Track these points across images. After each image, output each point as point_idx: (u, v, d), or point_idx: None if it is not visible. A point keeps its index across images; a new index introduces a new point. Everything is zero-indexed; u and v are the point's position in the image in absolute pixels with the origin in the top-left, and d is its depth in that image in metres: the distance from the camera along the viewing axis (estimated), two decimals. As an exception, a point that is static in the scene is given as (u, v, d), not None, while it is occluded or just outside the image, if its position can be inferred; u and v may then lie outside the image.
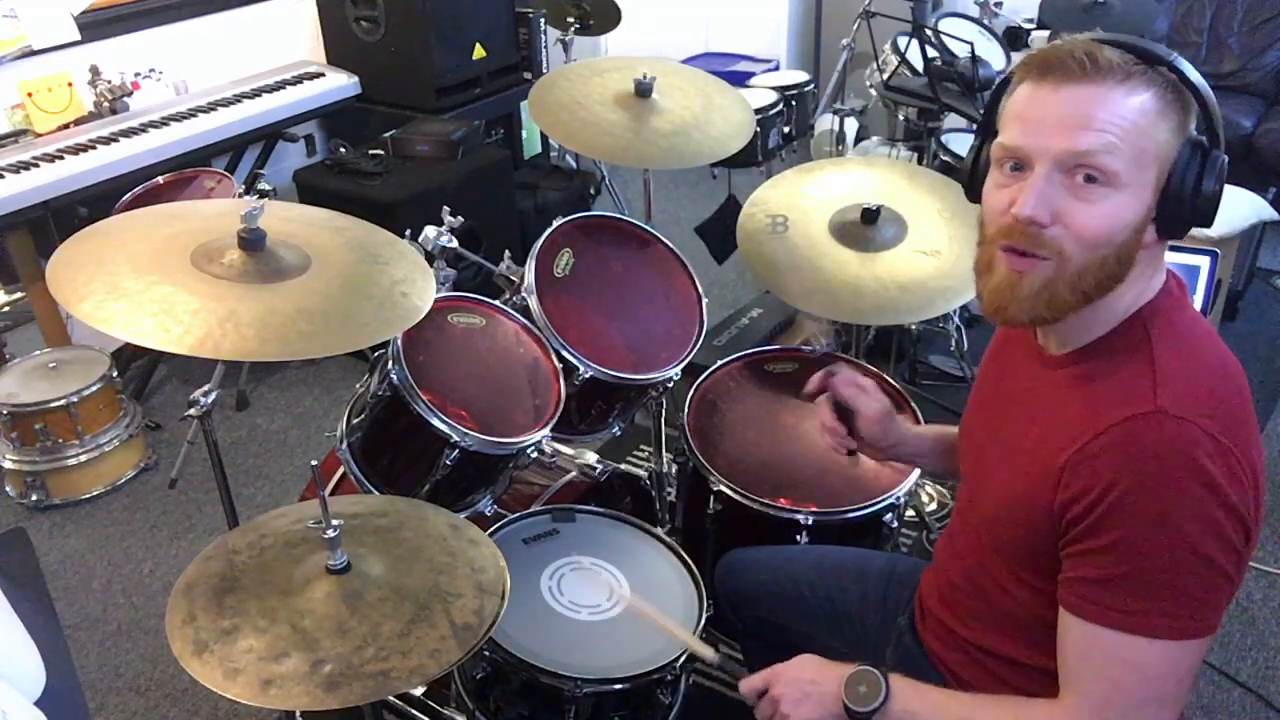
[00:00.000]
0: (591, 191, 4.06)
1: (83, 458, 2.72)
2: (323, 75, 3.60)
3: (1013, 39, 4.04)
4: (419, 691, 1.75)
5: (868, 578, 1.51)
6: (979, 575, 1.21)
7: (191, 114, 3.17)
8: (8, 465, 2.70)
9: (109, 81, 3.15)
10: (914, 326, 2.94)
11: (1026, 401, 1.15)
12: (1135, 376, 1.02)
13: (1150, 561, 0.97)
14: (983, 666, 1.23)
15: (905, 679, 1.14)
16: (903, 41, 3.18)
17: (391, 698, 1.73)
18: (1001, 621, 1.19)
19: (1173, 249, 2.22)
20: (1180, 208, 1.01)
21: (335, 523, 1.25)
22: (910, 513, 2.36)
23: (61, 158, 2.82)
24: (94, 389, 2.70)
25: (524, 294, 1.82)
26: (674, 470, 2.00)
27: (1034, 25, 4.18)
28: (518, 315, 1.81)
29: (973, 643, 1.24)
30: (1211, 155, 1.01)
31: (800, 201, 2.09)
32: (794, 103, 3.42)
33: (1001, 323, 1.11)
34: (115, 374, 2.80)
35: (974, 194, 1.16)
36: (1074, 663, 1.04)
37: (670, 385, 1.93)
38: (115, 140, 2.94)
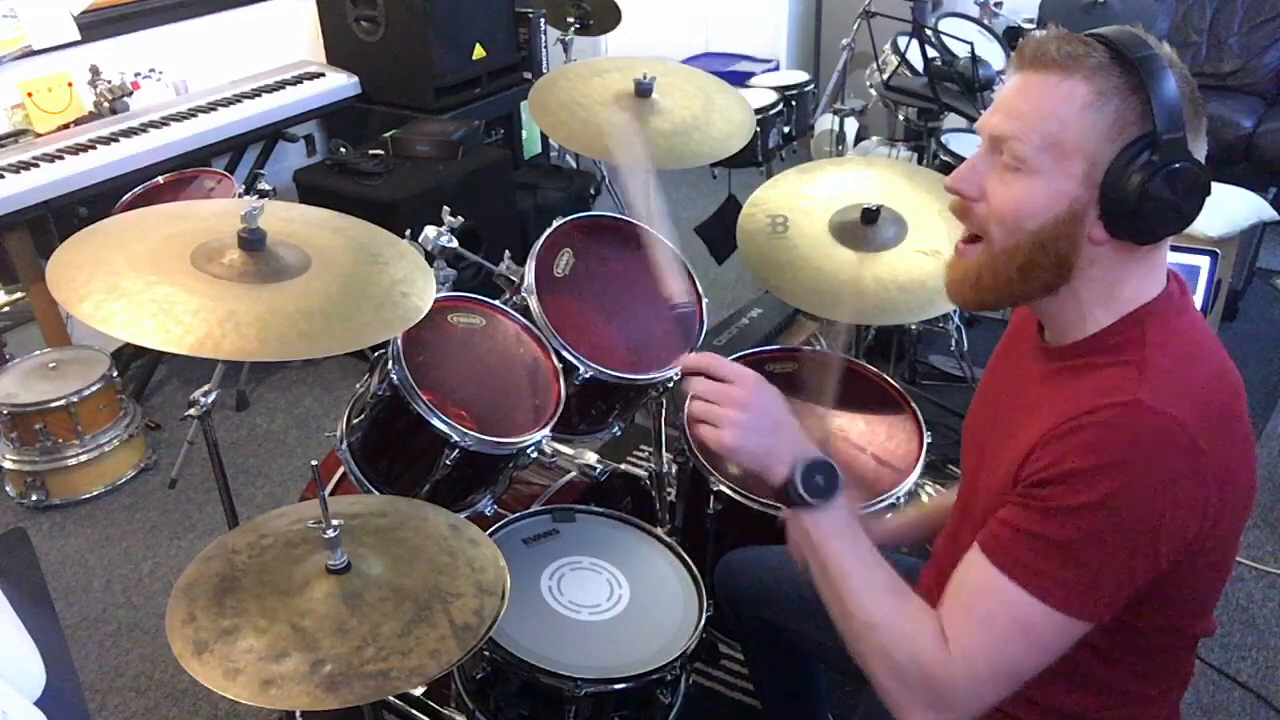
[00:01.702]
0: (591, 191, 4.06)
1: (83, 458, 2.72)
2: (323, 75, 3.60)
3: (1013, 39, 4.04)
4: (419, 691, 1.75)
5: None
6: None
7: (191, 114, 3.17)
8: (8, 465, 2.70)
9: (109, 81, 3.15)
10: (914, 326, 2.94)
11: (1023, 395, 1.15)
12: (1122, 370, 1.02)
13: (1082, 537, 0.97)
14: None
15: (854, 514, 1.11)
16: (903, 41, 3.18)
17: (391, 698, 1.73)
18: None
19: (1173, 249, 2.22)
20: (1121, 208, 0.99)
21: (335, 523, 1.25)
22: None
23: (61, 158, 2.82)
24: (94, 389, 2.70)
25: (524, 294, 1.82)
26: (674, 470, 2.00)
27: (1034, 25, 4.18)
28: (518, 315, 1.81)
29: None
30: (1164, 160, 0.97)
31: (800, 201, 2.09)
32: (794, 103, 3.42)
33: (950, 300, 1.16)
34: (115, 374, 2.80)
35: None
36: (965, 598, 1.04)
37: (670, 385, 1.93)
38: (115, 140, 2.94)
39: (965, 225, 1.09)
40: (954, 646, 1.02)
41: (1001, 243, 1.04)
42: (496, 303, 1.83)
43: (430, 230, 1.91)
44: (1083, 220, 1.01)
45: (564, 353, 1.77)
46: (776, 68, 4.70)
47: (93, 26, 3.14)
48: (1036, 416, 1.07)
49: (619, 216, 2.05)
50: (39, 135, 2.98)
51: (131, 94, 3.19)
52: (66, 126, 3.04)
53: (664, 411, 2.13)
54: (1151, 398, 0.97)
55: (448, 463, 1.60)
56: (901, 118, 3.48)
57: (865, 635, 1.07)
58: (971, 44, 2.85)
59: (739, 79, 3.59)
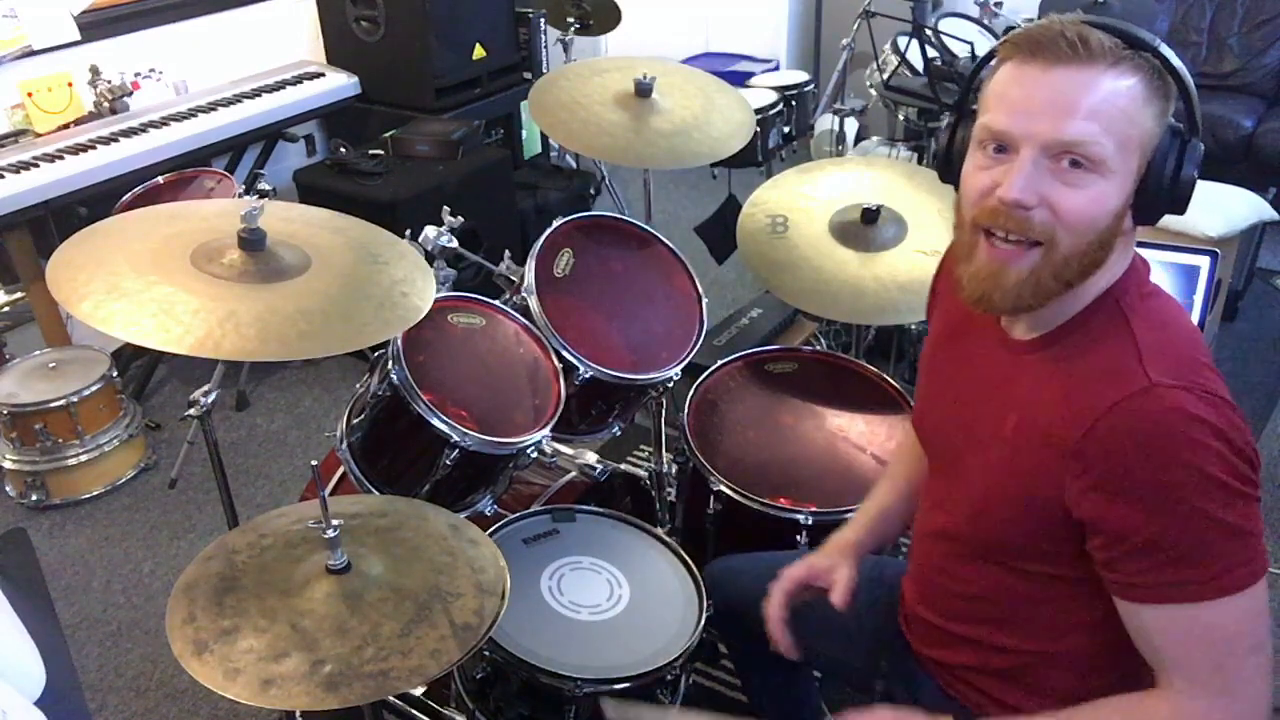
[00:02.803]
0: (591, 191, 4.06)
1: (83, 458, 2.72)
2: (323, 75, 3.60)
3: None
4: (419, 691, 1.75)
5: (855, 585, 1.49)
6: (961, 568, 1.20)
7: (191, 114, 3.17)
8: (8, 465, 2.70)
9: (109, 81, 3.15)
10: (914, 326, 2.94)
11: (997, 389, 1.13)
12: (1119, 354, 1.02)
13: (1200, 530, 0.96)
14: (975, 656, 1.22)
15: None
16: (903, 41, 3.18)
17: (391, 698, 1.73)
18: (989, 611, 1.19)
19: (1173, 249, 2.22)
20: (1158, 194, 1.01)
21: (335, 523, 1.25)
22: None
23: (61, 158, 2.82)
24: (94, 389, 2.70)
25: (524, 294, 1.82)
26: (674, 470, 2.00)
27: (1034, 25, 4.18)
28: (518, 315, 1.81)
29: (960, 636, 1.23)
30: (1190, 143, 1.01)
31: (800, 201, 2.09)
32: (794, 103, 3.42)
33: (985, 310, 1.09)
34: (115, 374, 2.80)
35: (949, 175, 1.14)
36: (1168, 647, 1.02)
37: (670, 385, 1.93)
38: (115, 140, 2.94)
39: (1015, 234, 1.01)
40: (1200, 692, 1.01)
41: (1070, 246, 1.00)
42: (496, 303, 1.83)
43: (430, 230, 1.91)
44: (1125, 211, 1.02)
45: (564, 353, 1.77)
46: (776, 68, 4.70)
47: (93, 26, 3.14)
48: (1034, 412, 1.06)
49: (619, 216, 2.05)
50: (39, 135, 2.98)
51: (131, 94, 3.19)
52: (66, 126, 3.04)
53: (664, 411, 2.13)
54: (1162, 375, 0.98)
55: (448, 463, 1.60)
56: (901, 118, 3.48)
57: None
58: (971, 44, 2.85)
59: (739, 79, 3.59)
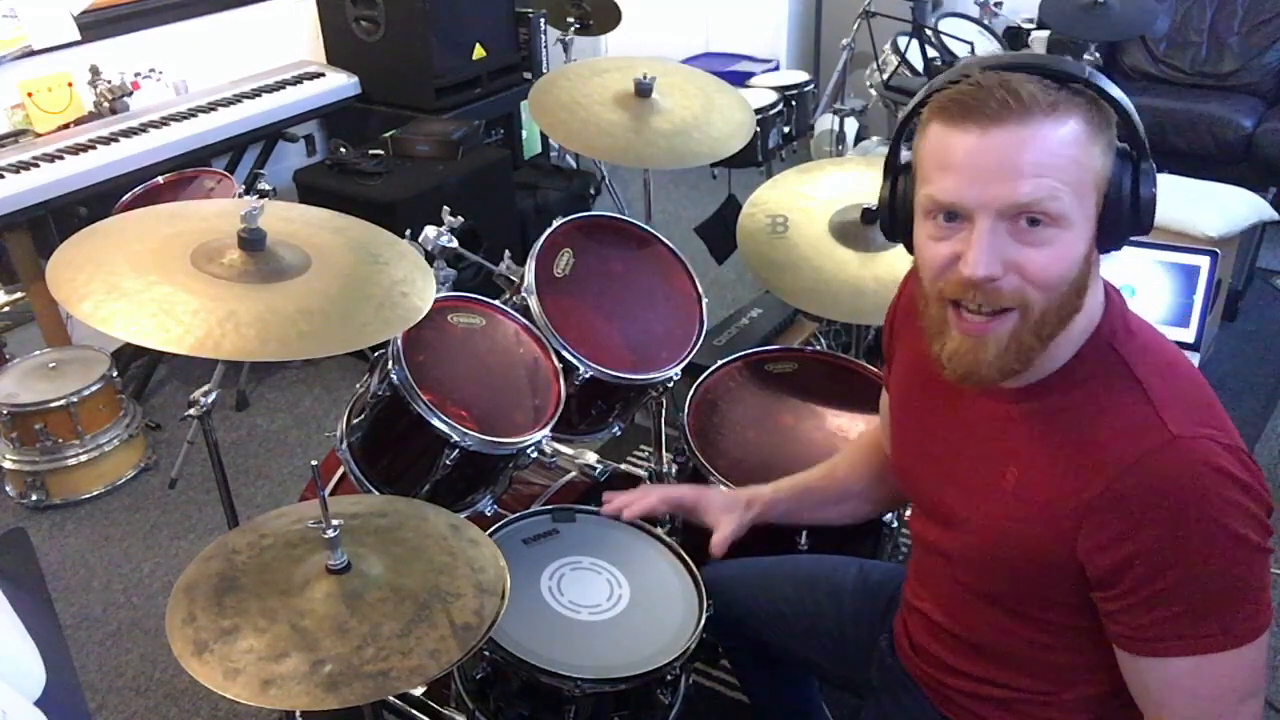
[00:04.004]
0: (591, 191, 4.06)
1: (83, 458, 2.72)
2: (323, 75, 3.60)
3: (1013, 39, 4.04)
4: (419, 691, 1.75)
5: (842, 591, 1.48)
6: (964, 610, 1.19)
7: (191, 114, 3.17)
8: (8, 465, 2.70)
9: (109, 81, 3.15)
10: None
11: (990, 439, 1.10)
12: (1130, 404, 0.99)
13: (1217, 585, 0.95)
14: (974, 686, 1.22)
15: None
16: (903, 41, 3.19)
17: (391, 698, 1.73)
18: (992, 649, 1.18)
19: (1173, 249, 2.22)
20: (1119, 223, 0.98)
21: (335, 523, 1.25)
22: (910, 513, 2.35)
23: (61, 158, 2.82)
24: (94, 389, 2.70)
25: (524, 294, 1.82)
26: (674, 470, 2.00)
27: (1034, 25, 4.18)
28: (518, 315, 1.81)
29: (961, 670, 1.23)
30: (1142, 165, 0.98)
31: (800, 201, 2.09)
32: (794, 103, 3.42)
33: (972, 385, 1.06)
34: (115, 374, 2.80)
35: (894, 234, 1.12)
36: (1168, 697, 1.01)
37: (670, 385, 1.93)
38: (115, 140, 2.94)
39: (986, 304, 0.98)
40: None
41: (1045, 304, 0.97)
42: (496, 303, 1.83)
43: (430, 230, 1.91)
44: (1091, 251, 0.99)
45: (564, 353, 1.77)
46: (776, 68, 4.70)
47: (93, 26, 3.14)
48: (1036, 468, 1.04)
49: (619, 216, 2.05)
50: (39, 135, 2.98)
51: (131, 94, 3.19)
52: (66, 126, 3.04)
53: (664, 411, 2.13)
54: (1181, 427, 0.96)
55: (448, 463, 1.60)
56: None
57: None
58: (971, 44, 2.86)
59: (739, 79, 3.59)
